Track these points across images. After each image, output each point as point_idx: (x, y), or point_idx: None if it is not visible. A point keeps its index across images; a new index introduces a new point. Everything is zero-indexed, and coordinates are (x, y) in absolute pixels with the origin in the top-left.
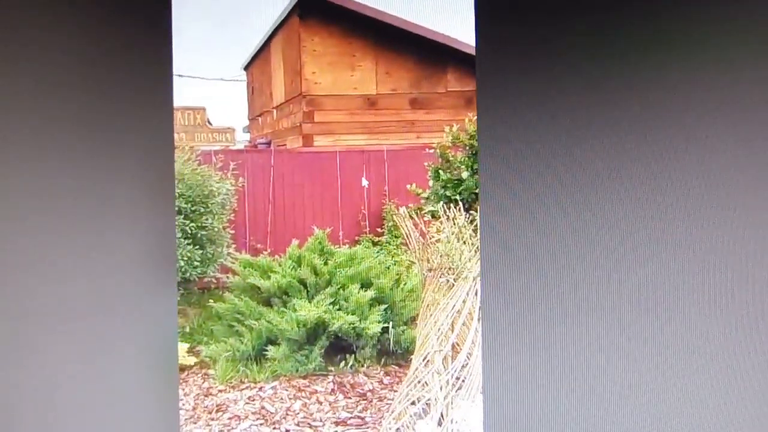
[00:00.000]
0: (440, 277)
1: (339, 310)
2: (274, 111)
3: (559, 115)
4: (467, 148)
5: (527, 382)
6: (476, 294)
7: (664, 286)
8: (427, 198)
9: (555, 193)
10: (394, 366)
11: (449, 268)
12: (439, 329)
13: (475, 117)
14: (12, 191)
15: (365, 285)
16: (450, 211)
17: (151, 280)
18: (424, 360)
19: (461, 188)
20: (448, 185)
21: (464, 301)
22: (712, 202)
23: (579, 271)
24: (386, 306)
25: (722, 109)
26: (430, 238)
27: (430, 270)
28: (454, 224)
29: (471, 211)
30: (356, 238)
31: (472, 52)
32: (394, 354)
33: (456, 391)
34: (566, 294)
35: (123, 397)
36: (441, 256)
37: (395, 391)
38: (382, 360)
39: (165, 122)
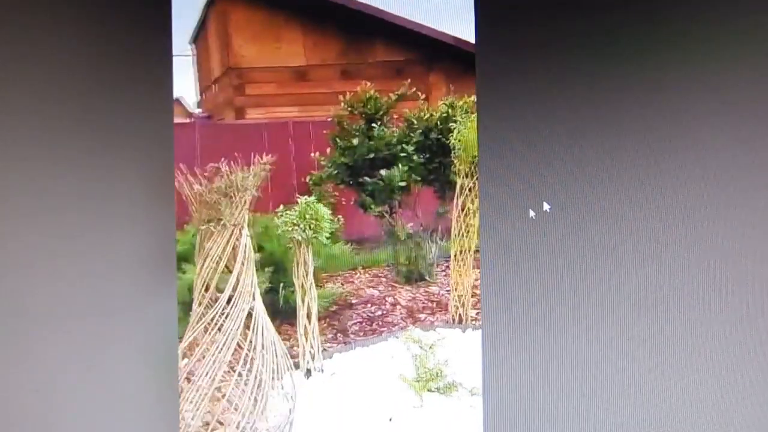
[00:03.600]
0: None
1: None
2: (214, 85)
3: (558, 115)
4: (362, 115)
5: (527, 382)
6: (237, 240)
7: (663, 286)
8: (329, 166)
9: (555, 193)
10: (286, 324)
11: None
12: (202, 276)
13: (370, 85)
14: (12, 191)
15: (257, 249)
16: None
17: (151, 280)
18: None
19: (356, 155)
20: (346, 152)
21: (224, 248)
22: (712, 201)
23: (579, 271)
24: (274, 267)
25: (722, 109)
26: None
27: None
28: (228, 179)
29: (365, 177)
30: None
31: (401, 22)
32: (284, 312)
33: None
34: (566, 294)
35: (123, 396)
36: (209, 208)
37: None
38: (276, 320)
39: (165, 122)
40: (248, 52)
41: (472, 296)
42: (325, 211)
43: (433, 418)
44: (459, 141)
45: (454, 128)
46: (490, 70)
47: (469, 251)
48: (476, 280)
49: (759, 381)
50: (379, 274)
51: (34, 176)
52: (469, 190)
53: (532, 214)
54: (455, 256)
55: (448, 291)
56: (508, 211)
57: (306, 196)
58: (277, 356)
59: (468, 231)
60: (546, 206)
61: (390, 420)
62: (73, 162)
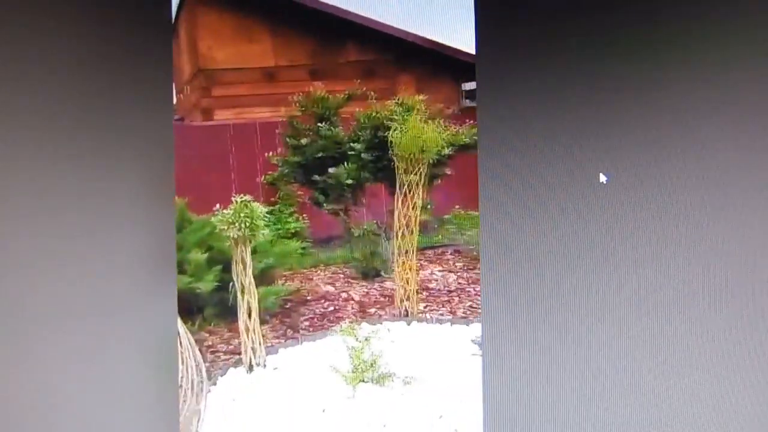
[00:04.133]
0: None
1: (181, 273)
2: (186, 87)
3: (558, 116)
4: (313, 115)
5: (527, 382)
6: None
7: (663, 286)
8: (281, 165)
9: (555, 194)
10: (237, 322)
11: None
12: None
13: (320, 85)
14: (12, 191)
15: (208, 248)
16: None
17: (151, 280)
18: None
19: (307, 154)
20: (296, 151)
21: None
22: (712, 201)
23: (579, 271)
24: (223, 266)
25: (722, 109)
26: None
27: None
28: None
29: (315, 175)
30: None
31: (371, 24)
32: (234, 310)
33: None
34: (566, 294)
35: (123, 396)
36: None
37: (231, 345)
38: (228, 318)
39: (165, 122)
40: (218, 53)
41: (417, 291)
42: (261, 210)
43: (364, 408)
44: (396, 138)
45: (392, 126)
46: (490, 70)
47: (412, 246)
48: (430, 274)
49: (759, 381)
50: (339, 272)
51: (34, 176)
52: (409, 187)
53: (603, 178)
54: (398, 252)
55: (401, 286)
56: (508, 211)
57: (242, 195)
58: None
59: (410, 227)
60: (603, 177)
61: (323, 411)
62: (73, 162)
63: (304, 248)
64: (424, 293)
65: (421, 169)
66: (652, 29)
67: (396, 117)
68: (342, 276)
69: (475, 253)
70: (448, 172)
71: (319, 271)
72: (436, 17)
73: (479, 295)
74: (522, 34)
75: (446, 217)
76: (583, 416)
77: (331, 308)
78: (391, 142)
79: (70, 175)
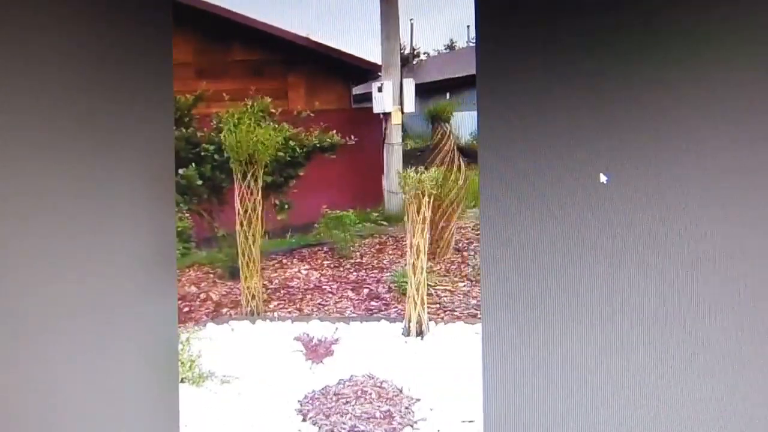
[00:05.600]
0: None
1: None
2: None
3: (559, 115)
4: None
5: (527, 380)
6: None
7: (664, 286)
8: None
9: (556, 192)
10: None
11: None
12: None
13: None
14: (12, 191)
15: None
16: None
17: (151, 280)
18: None
19: None
20: None
21: None
22: (712, 201)
23: (580, 269)
24: None
25: (722, 109)
26: None
27: None
28: None
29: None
30: None
31: (257, 25)
32: None
33: None
34: (567, 293)
35: (123, 396)
36: None
37: None
38: None
39: (165, 122)
40: None
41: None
42: None
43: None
44: (226, 140)
45: (223, 129)
46: (490, 70)
47: (254, 246)
48: (297, 272)
49: (759, 382)
50: (210, 272)
51: (34, 176)
52: (248, 187)
53: (603, 179)
54: (242, 252)
55: (274, 286)
56: (508, 209)
57: None
58: None
59: (252, 227)
60: (603, 178)
61: None
62: (73, 162)
63: (187, 248)
64: (282, 291)
65: (258, 171)
66: (652, 29)
67: (224, 120)
68: (212, 276)
69: (343, 252)
70: (301, 174)
71: (191, 272)
72: (331, 23)
73: (333, 293)
74: (522, 34)
75: (332, 215)
76: (583, 415)
77: (186, 309)
78: (223, 144)
79: (70, 175)
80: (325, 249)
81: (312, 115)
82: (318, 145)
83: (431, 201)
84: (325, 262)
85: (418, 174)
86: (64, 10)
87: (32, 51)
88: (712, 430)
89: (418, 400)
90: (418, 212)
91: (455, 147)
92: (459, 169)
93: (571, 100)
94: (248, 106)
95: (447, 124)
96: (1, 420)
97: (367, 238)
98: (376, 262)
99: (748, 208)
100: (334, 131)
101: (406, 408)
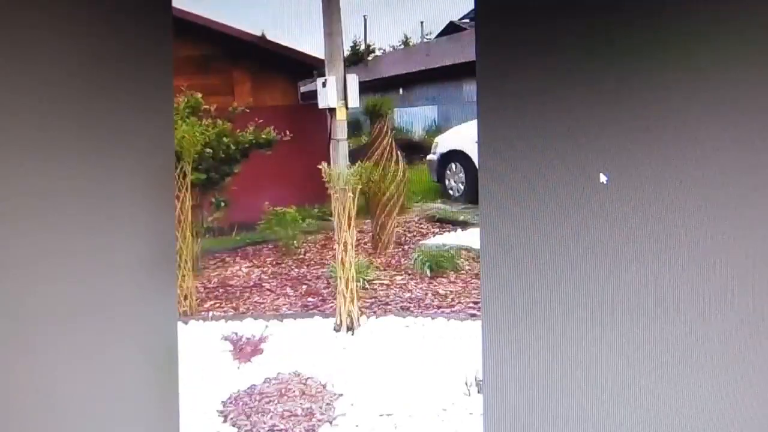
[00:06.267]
0: None
1: None
2: None
3: (559, 115)
4: None
5: (527, 381)
6: None
7: (664, 287)
8: None
9: (556, 193)
10: None
11: None
12: None
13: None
14: (12, 191)
15: None
16: None
17: (151, 280)
18: None
19: None
20: None
21: None
22: (712, 202)
23: (580, 271)
24: None
25: (722, 109)
26: None
27: None
28: None
29: None
30: None
31: (200, 21)
32: None
33: None
34: (567, 294)
35: (123, 396)
36: None
37: None
38: None
39: (165, 122)
40: None
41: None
42: None
43: None
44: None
45: None
46: (490, 70)
47: (185, 246)
48: (238, 270)
49: (759, 383)
50: None
51: (34, 176)
52: (177, 185)
53: (603, 179)
54: (180, 253)
55: (213, 285)
56: (508, 210)
57: None
58: None
59: (179, 228)
60: (603, 178)
61: None
62: (73, 162)
63: None
64: (220, 290)
65: (186, 167)
66: (652, 29)
67: None
68: None
69: (287, 249)
70: (237, 171)
71: None
72: (287, 22)
73: (272, 291)
74: (522, 34)
75: (274, 213)
76: (583, 415)
77: None
78: None
79: (70, 175)
80: (269, 246)
81: (248, 111)
82: (254, 142)
83: (356, 197)
84: (268, 260)
85: (344, 170)
86: (64, 11)
87: (32, 51)
88: (713, 429)
89: (341, 395)
90: (344, 208)
91: (393, 142)
92: (397, 164)
93: (571, 100)
94: (178, 103)
95: (385, 120)
96: (1, 420)
97: (313, 234)
98: (319, 258)
99: (748, 208)
100: (272, 127)
101: (327, 404)
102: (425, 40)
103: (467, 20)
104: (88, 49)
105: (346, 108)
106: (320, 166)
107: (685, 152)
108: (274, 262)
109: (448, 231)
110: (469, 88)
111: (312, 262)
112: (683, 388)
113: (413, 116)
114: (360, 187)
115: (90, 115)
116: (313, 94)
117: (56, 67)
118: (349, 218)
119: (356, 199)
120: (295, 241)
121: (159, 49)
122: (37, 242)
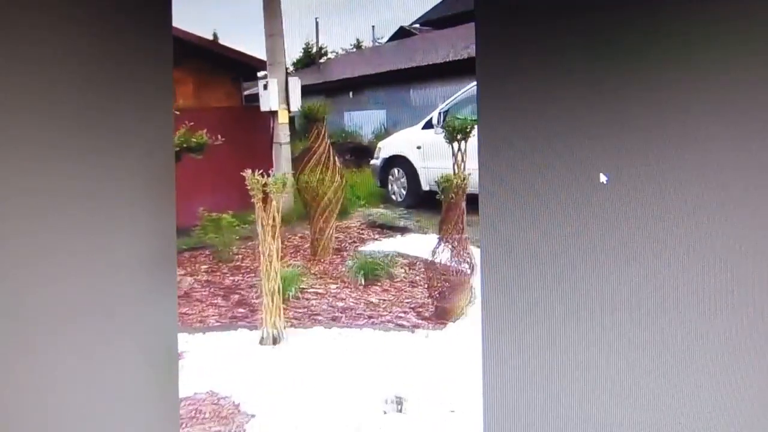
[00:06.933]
0: None
1: None
2: None
3: (559, 115)
4: None
5: (528, 381)
6: None
7: (664, 287)
8: None
9: (556, 193)
10: None
11: None
12: None
13: None
14: (12, 191)
15: None
16: None
17: (151, 280)
18: None
19: None
20: None
21: None
22: (712, 202)
23: (580, 271)
24: None
25: (722, 109)
26: None
27: None
28: None
29: None
30: None
31: None
32: None
33: None
34: (567, 294)
35: (123, 396)
36: None
37: None
38: None
39: (165, 122)
40: None
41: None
42: None
43: None
44: None
45: None
46: (490, 70)
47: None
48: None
49: (760, 383)
50: None
51: (34, 176)
52: None
53: (603, 178)
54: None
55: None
56: (508, 211)
57: None
58: None
59: None
60: (603, 178)
61: None
62: (73, 162)
63: None
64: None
65: None
66: (652, 29)
67: None
68: None
69: (222, 255)
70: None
71: None
72: (229, 20)
73: (201, 301)
74: (522, 34)
75: (209, 218)
76: (583, 416)
77: None
78: None
79: (70, 174)
80: (206, 253)
81: (177, 113)
82: (184, 146)
83: (279, 204)
84: (203, 267)
85: (263, 177)
86: (64, 11)
87: (32, 51)
88: (713, 429)
89: (253, 416)
90: (267, 215)
91: (330, 147)
92: (335, 168)
93: (571, 99)
94: None
95: (322, 124)
96: (1, 420)
97: (253, 240)
98: (255, 265)
99: (749, 207)
100: (204, 131)
101: (237, 427)
102: (376, 43)
103: (417, 25)
104: (88, 49)
105: (289, 111)
106: (243, 173)
107: (685, 152)
108: (209, 270)
109: (388, 237)
110: (416, 93)
111: (248, 270)
112: (683, 388)
113: (363, 119)
114: (282, 194)
115: (90, 115)
116: (257, 97)
117: (56, 67)
118: (274, 227)
119: (280, 207)
120: (232, 248)
121: (159, 49)
122: (37, 242)
